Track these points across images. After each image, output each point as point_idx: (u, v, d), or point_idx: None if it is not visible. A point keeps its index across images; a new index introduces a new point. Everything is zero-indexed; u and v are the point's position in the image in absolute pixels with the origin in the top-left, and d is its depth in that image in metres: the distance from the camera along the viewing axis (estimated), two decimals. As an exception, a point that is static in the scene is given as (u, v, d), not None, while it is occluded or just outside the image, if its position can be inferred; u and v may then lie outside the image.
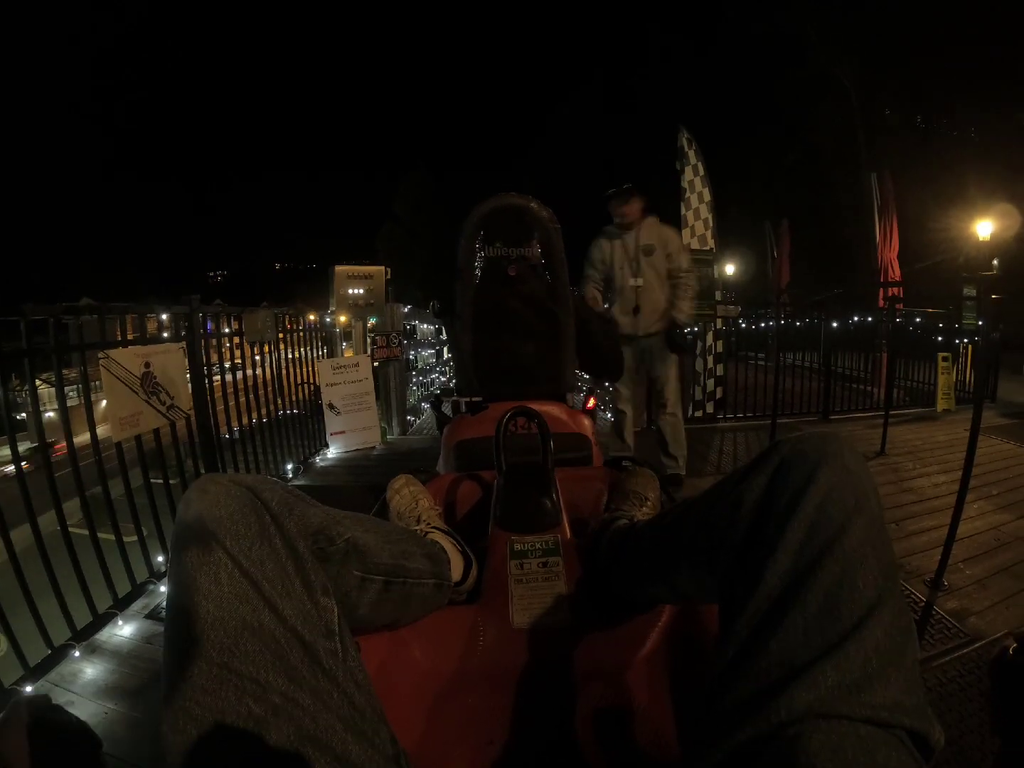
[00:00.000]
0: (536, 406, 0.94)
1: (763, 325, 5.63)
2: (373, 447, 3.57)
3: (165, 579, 1.79)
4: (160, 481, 1.92)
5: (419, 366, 7.24)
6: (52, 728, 0.38)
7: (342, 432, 3.48)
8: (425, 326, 7.30)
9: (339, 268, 3.61)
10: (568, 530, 0.79)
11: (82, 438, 1.62)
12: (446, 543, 0.78)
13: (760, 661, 0.39)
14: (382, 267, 3.66)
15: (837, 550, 0.40)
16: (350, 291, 3.60)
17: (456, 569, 0.75)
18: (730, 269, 5.89)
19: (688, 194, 4.31)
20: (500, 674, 0.66)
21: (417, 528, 0.81)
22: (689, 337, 3.55)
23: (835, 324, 4.61)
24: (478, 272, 1.30)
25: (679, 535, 0.57)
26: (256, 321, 2.76)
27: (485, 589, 0.74)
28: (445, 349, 8.32)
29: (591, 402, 1.65)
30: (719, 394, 4.34)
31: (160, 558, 1.90)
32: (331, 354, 3.75)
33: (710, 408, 4.17)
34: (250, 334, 2.74)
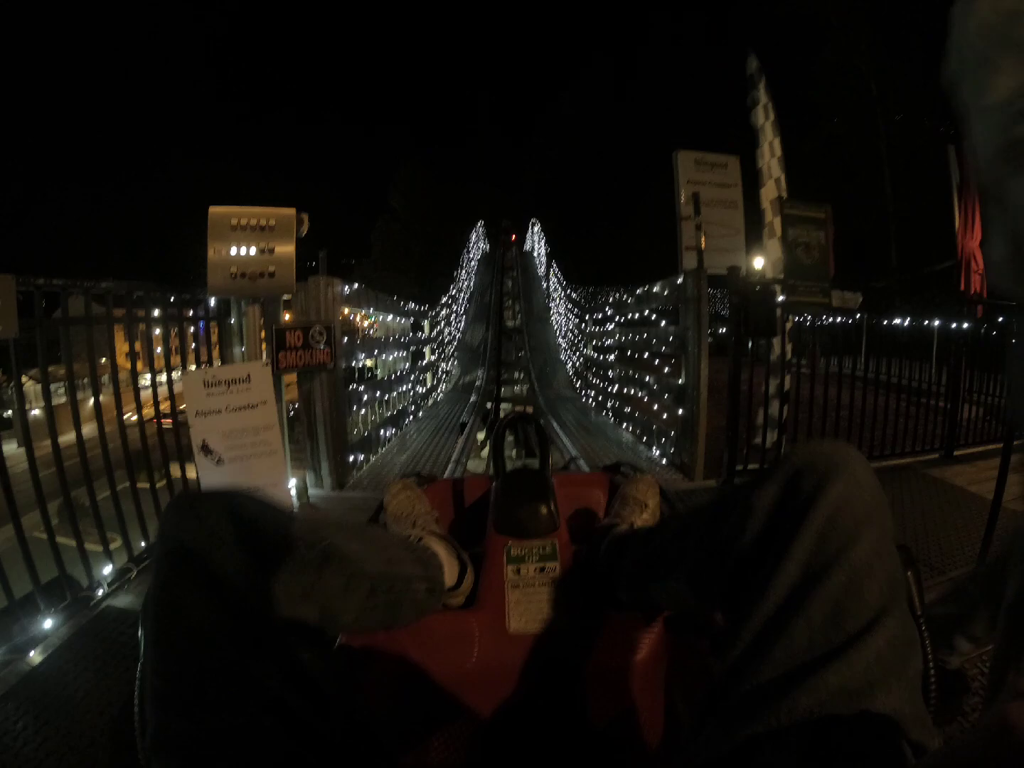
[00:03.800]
0: None
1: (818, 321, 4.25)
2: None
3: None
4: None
5: (378, 376, 5.22)
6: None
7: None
8: (393, 319, 5.46)
9: (216, 210, 2.01)
10: (566, 535, 0.77)
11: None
12: (440, 548, 0.76)
13: (764, 664, 0.39)
14: (291, 210, 2.06)
15: (845, 560, 0.40)
16: (233, 251, 2.01)
17: (451, 574, 0.74)
18: (759, 263, 4.74)
19: (762, 142, 3.37)
20: (496, 679, 0.67)
21: (412, 532, 0.80)
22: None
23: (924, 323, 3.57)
24: None
25: (685, 539, 0.57)
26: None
27: (482, 594, 0.74)
28: (427, 350, 6.67)
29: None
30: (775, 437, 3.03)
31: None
32: (206, 361, 2.16)
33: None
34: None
